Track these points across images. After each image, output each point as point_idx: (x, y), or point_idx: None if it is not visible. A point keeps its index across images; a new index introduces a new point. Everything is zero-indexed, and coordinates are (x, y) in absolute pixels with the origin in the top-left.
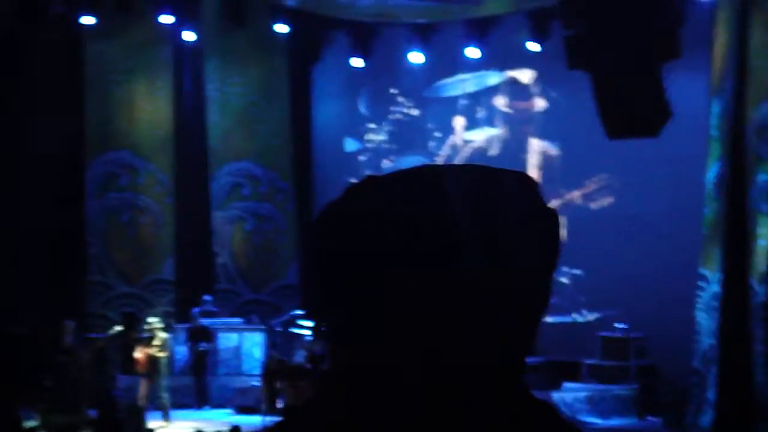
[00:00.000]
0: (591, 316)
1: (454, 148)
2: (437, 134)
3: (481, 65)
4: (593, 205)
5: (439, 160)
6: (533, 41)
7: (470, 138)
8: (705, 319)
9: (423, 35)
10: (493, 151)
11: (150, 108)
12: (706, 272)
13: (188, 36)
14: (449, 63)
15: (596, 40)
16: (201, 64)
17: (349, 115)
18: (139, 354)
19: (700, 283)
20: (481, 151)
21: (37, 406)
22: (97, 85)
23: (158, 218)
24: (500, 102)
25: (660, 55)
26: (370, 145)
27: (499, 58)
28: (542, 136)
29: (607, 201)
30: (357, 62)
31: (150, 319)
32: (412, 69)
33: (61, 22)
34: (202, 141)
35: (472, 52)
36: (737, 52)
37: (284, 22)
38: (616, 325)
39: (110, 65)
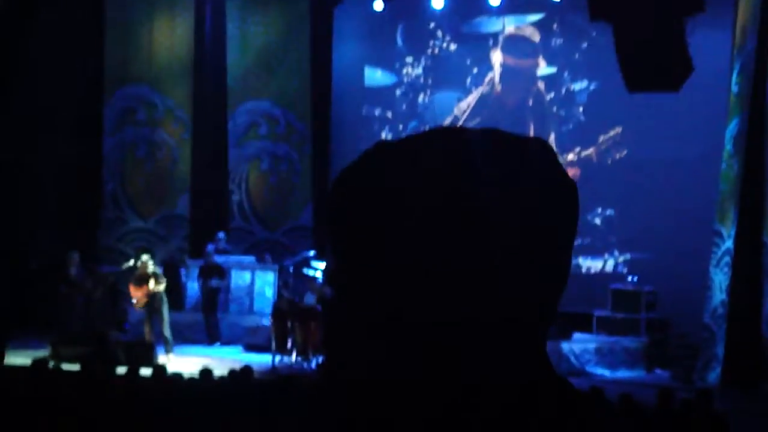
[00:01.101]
0: (621, 258)
1: (492, 85)
2: (475, 70)
3: (501, 12)
4: (610, 156)
5: (475, 96)
6: None
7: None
8: (717, 275)
9: None
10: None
11: (169, 44)
12: (721, 228)
13: None
14: (470, 8)
15: None
16: (222, 2)
17: (369, 56)
18: (135, 292)
19: (715, 239)
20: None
21: (48, 337)
22: (117, 20)
23: (174, 154)
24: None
25: (683, 8)
26: (406, 80)
27: (520, 5)
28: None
29: (622, 153)
30: (378, 5)
31: (144, 257)
32: (434, 13)
33: None
34: (221, 79)
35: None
36: (761, 10)
37: None
38: (628, 278)
39: (131, 2)
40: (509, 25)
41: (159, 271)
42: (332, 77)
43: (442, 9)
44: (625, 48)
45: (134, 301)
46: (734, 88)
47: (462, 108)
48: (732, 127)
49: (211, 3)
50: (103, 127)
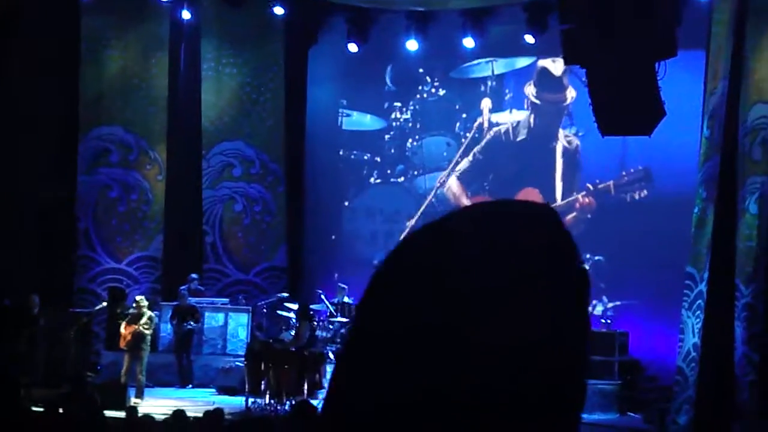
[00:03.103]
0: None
1: (480, 130)
2: (463, 115)
3: (477, 56)
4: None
5: (466, 142)
6: (530, 34)
7: (497, 120)
8: (690, 318)
9: (419, 23)
10: (521, 137)
11: (144, 85)
12: (693, 271)
13: (185, 15)
14: (445, 52)
15: (593, 36)
16: (197, 43)
17: (344, 95)
18: (124, 330)
19: (687, 282)
20: (507, 135)
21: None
22: (92, 61)
23: (148, 195)
24: (530, 90)
25: (656, 52)
26: (395, 124)
27: (495, 49)
28: (569, 125)
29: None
30: (353, 47)
31: (137, 297)
32: (408, 56)
33: None
34: (195, 120)
35: (469, 42)
36: (732, 53)
37: (281, 5)
38: (602, 320)
39: (106, 41)
40: (498, 69)
41: (153, 315)
42: (306, 118)
43: (416, 51)
44: (598, 92)
45: (121, 339)
46: (706, 132)
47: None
48: (704, 171)
49: (186, 43)
50: (77, 166)
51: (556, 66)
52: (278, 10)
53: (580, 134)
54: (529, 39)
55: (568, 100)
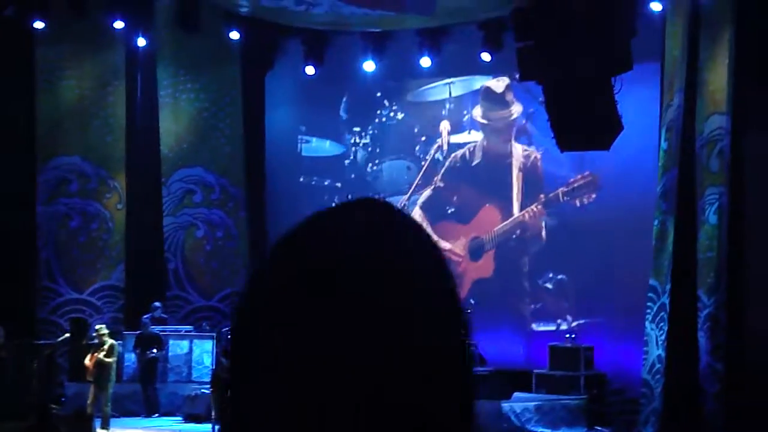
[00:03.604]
0: (576, 323)
1: (440, 152)
2: (423, 138)
3: (434, 75)
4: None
5: (426, 165)
6: (486, 51)
7: (456, 141)
8: (654, 330)
9: (376, 44)
10: (477, 159)
11: (102, 113)
12: (656, 283)
13: (140, 42)
14: (402, 71)
15: (548, 52)
16: (153, 70)
17: (303, 119)
18: (87, 361)
19: (650, 294)
20: (464, 159)
21: None
22: (48, 90)
23: (109, 224)
24: (477, 112)
25: (612, 67)
26: (354, 149)
27: (452, 67)
28: (523, 140)
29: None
30: (310, 70)
31: (97, 326)
32: (365, 77)
33: (12, 26)
34: (154, 147)
35: (426, 62)
36: (687, 65)
37: (237, 30)
38: (566, 335)
39: (62, 71)
40: (456, 91)
41: (115, 343)
42: (266, 142)
43: (374, 71)
44: (555, 108)
45: (86, 369)
46: (664, 144)
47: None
48: (663, 183)
49: (142, 71)
50: (36, 196)
51: (498, 84)
52: (234, 35)
53: (539, 150)
54: (486, 57)
55: (515, 115)
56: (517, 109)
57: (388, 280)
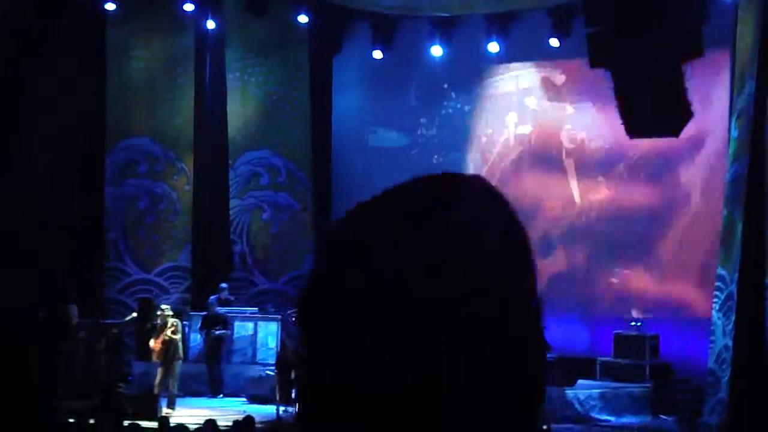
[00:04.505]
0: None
1: (506, 145)
2: (489, 130)
3: (502, 60)
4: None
5: (492, 157)
6: (555, 37)
7: (521, 133)
8: (721, 319)
9: (444, 28)
10: (540, 152)
11: (170, 95)
12: (724, 272)
13: (210, 25)
14: (469, 57)
15: (618, 38)
16: (222, 53)
17: (370, 107)
18: (153, 343)
19: (718, 283)
20: (529, 152)
21: (54, 391)
22: (118, 72)
23: (176, 206)
24: (535, 103)
25: (682, 53)
26: (420, 140)
27: (520, 53)
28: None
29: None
30: (378, 54)
31: (163, 306)
32: (433, 62)
33: (84, 9)
34: (221, 129)
35: (494, 47)
36: (759, 52)
37: (305, 13)
38: (632, 323)
39: (132, 52)
40: (524, 83)
41: (178, 321)
42: (332, 126)
43: (441, 57)
44: (624, 94)
45: (152, 350)
46: (734, 133)
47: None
48: (732, 171)
49: (211, 53)
50: (105, 177)
51: (559, 76)
52: (302, 18)
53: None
54: (554, 43)
55: (571, 109)
56: (573, 100)
57: (447, 280)
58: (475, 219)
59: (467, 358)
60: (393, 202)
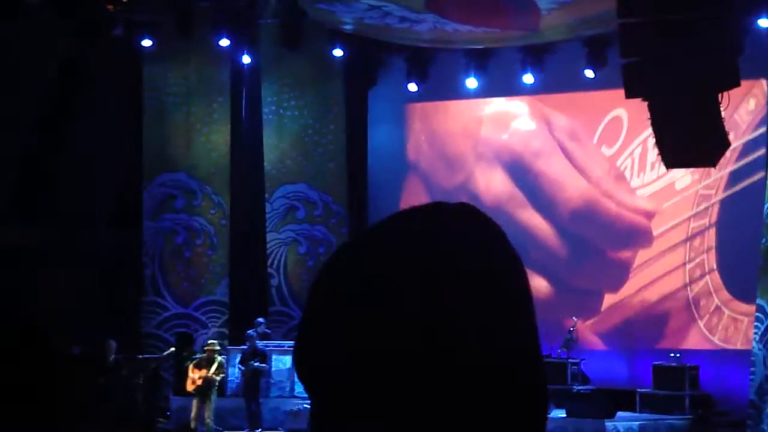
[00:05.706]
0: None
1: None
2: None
3: (537, 91)
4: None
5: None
6: (589, 68)
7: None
8: (761, 350)
9: (479, 61)
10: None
11: (207, 130)
12: (763, 303)
13: (245, 59)
14: (504, 88)
15: (654, 69)
16: (258, 87)
17: (405, 140)
18: (192, 373)
19: (758, 314)
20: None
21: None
22: (154, 108)
23: (213, 240)
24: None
25: (718, 83)
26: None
27: (555, 83)
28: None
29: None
30: (413, 87)
31: (210, 341)
32: (467, 95)
33: (121, 45)
34: (257, 163)
35: (528, 78)
36: None
37: (340, 47)
38: (671, 354)
39: (168, 88)
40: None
41: (223, 360)
42: (368, 159)
43: (476, 89)
44: (660, 125)
45: (189, 383)
46: None
47: None
48: None
49: (246, 88)
50: (142, 212)
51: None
52: (337, 52)
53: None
54: (589, 74)
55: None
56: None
57: (444, 283)
58: (467, 233)
59: (465, 359)
60: (395, 222)
